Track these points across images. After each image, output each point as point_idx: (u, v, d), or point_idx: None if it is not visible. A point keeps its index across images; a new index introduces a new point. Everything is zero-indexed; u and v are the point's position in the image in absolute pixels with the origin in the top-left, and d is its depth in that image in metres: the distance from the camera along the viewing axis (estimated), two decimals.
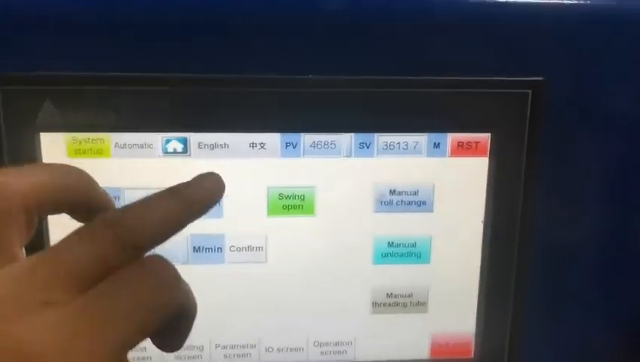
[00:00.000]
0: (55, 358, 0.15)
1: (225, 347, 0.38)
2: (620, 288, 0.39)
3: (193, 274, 0.36)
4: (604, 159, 0.37)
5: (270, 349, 0.38)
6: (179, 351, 0.37)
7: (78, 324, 0.16)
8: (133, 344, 0.17)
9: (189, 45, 0.34)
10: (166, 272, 0.18)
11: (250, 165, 0.35)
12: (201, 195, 0.20)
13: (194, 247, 0.36)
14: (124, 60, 0.33)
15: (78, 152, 0.34)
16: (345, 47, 0.35)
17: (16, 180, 0.19)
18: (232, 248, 0.36)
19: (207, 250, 0.36)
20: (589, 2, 0.36)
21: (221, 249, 0.36)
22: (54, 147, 0.34)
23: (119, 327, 0.16)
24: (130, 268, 0.17)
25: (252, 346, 0.38)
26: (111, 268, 0.17)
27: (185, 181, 0.20)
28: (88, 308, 0.16)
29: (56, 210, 0.21)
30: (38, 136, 0.34)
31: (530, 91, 0.35)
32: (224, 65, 0.34)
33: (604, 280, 0.39)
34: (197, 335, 0.37)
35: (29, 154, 0.34)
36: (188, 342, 0.36)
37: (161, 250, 0.36)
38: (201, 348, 0.38)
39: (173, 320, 0.19)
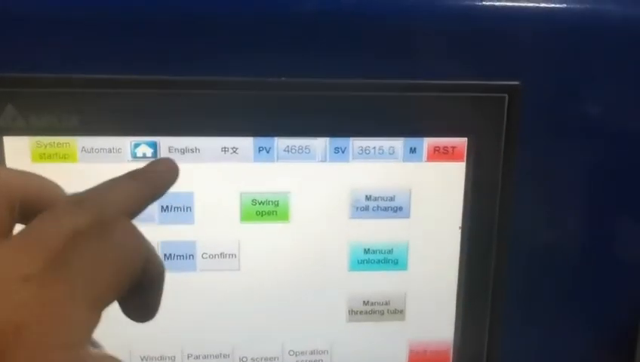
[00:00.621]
0: (37, 326, 0.16)
1: (197, 357, 0.37)
2: (598, 292, 0.39)
3: (164, 283, 0.35)
4: (580, 163, 0.37)
5: (244, 359, 0.37)
6: None
7: (53, 291, 0.17)
8: (106, 302, 0.18)
9: (158, 47, 0.33)
10: (127, 231, 0.19)
11: (222, 170, 0.34)
12: (156, 178, 0.22)
13: (164, 255, 0.35)
14: (91, 62, 0.33)
15: (43, 157, 0.33)
16: (320, 49, 0.34)
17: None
18: (204, 255, 0.35)
19: (179, 257, 0.35)
20: (565, 6, 0.35)
21: (192, 256, 0.35)
22: (18, 151, 0.33)
23: (90, 288, 0.17)
24: (93, 233, 0.18)
25: (225, 356, 0.37)
26: (77, 237, 0.18)
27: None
28: (60, 275, 0.17)
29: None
30: (1, 140, 0.33)
31: (506, 95, 0.35)
32: (195, 67, 0.33)
33: (582, 285, 0.39)
34: (169, 344, 0.37)
35: None
36: (160, 351, 0.36)
37: None
38: (173, 359, 0.36)
39: (141, 283, 0.19)
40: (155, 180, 0.22)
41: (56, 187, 0.22)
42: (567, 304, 0.39)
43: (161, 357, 0.36)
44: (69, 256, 0.17)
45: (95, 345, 0.20)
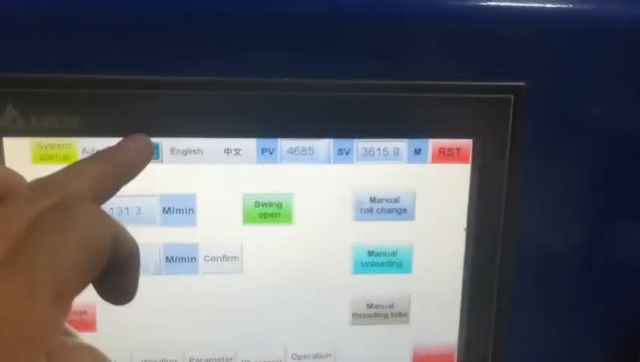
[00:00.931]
0: (4, 317, 0.16)
1: (200, 360, 0.36)
2: (605, 295, 0.38)
3: (166, 286, 0.35)
4: (586, 164, 0.37)
5: None
6: None
7: (13, 285, 0.16)
8: (73, 291, 0.17)
9: (160, 47, 0.33)
10: (89, 214, 0.18)
11: (224, 171, 0.34)
12: (127, 158, 0.21)
13: (166, 257, 0.34)
14: (93, 62, 0.32)
15: (43, 158, 0.33)
16: (323, 49, 0.34)
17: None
18: (206, 258, 0.35)
19: (181, 259, 0.35)
20: (571, 7, 0.35)
21: (195, 259, 0.35)
22: (18, 152, 0.33)
23: (53, 278, 0.16)
24: (54, 218, 0.17)
25: (228, 359, 0.36)
26: (38, 224, 0.17)
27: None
28: (20, 267, 0.16)
29: None
30: (1, 141, 0.32)
31: (512, 96, 0.35)
32: (197, 68, 0.33)
33: (588, 287, 0.39)
34: (170, 348, 0.36)
35: None
36: (162, 355, 0.36)
37: None
38: None
39: (114, 265, 0.19)
40: (125, 160, 0.21)
41: (19, 177, 0.20)
42: (573, 306, 0.39)
43: (163, 361, 0.36)
44: (29, 246, 0.17)
45: (69, 333, 0.20)
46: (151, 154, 0.22)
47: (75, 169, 0.20)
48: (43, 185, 0.19)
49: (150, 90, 0.33)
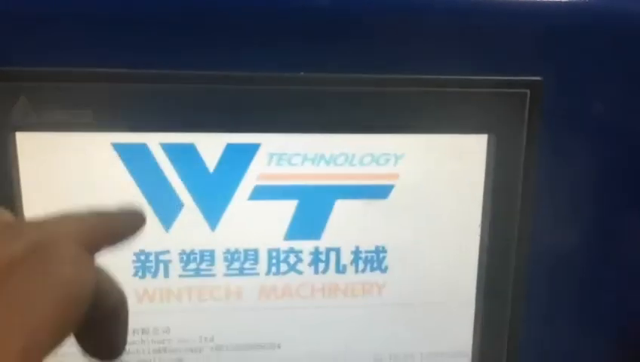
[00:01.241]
0: None
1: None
2: (620, 290, 0.38)
3: None
4: (602, 160, 0.36)
5: None
6: None
7: None
8: (46, 348, 0.15)
9: (172, 40, 0.32)
10: (70, 257, 0.16)
11: None
12: (120, 216, 0.21)
13: None
14: (108, 55, 0.32)
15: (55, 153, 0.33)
16: (340, 44, 0.33)
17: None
18: None
19: None
20: (587, 1, 0.35)
21: None
22: (31, 147, 0.32)
23: (23, 333, 0.14)
24: (30, 261, 0.16)
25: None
26: (11, 268, 0.15)
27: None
28: None
29: None
30: (13, 136, 0.32)
31: (528, 91, 0.34)
32: (213, 62, 0.33)
33: (604, 285, 0.38)
34: None
35: (5, 156, 0.32)
36: None
37: None
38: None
39: (97, 318, 0.17)
40: (116, 217, 0.20)
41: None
42: (588, 305, 0.39)
43: None
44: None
45: None
46: (142, 225, 0.21)
47: (61, 213, 0.19)
48: (23, 223, 0.18)
49: (163, 84, 0.32)
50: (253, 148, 0.34)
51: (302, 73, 0.33)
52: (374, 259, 0.36)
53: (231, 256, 0.35)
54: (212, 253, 0.35)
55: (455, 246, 0.36)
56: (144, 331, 0.36)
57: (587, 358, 0.39)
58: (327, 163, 0.34)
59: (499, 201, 0.35)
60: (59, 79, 0.31)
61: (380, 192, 0.35)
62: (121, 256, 0.34)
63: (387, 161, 0.35)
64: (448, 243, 0.36)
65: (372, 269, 0.36)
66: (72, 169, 0.33)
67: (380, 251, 0.36)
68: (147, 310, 0.35)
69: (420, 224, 0.36)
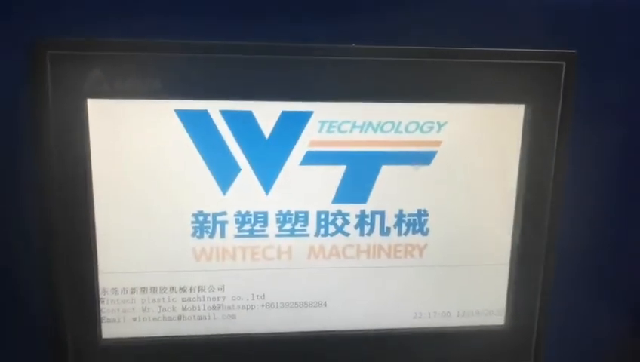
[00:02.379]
0: None
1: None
2: None
3: None
4: (634, 130, 0.39)
5: None
6: None
7: None
8: None
9: (236, 14, 0.35)
10: None
11: None
12: None
13: None
14: (172, 27, 0.34)
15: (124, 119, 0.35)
16: (382, 17, 0.36)
17: None
18: None
19: None
20: None
21: None
22: (101, 114, 0.35)
23: None
24: None
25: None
26: None
27: None
28: None
29: None
30: (86, 102, 0.34)
31: (564, 63, 0.37)
32: (269, 34, 0.35)
33: (629, 252, 0.40)
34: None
35: (76, 121, 0.34)
36: None
37: None
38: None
39: None
40: None
41: None
42: (614, 269, 0.41)
43: None
44: None
45: None
46: None
47: None
48: None
49: (231, 55, 0.34)
50: (306, 116, 0.36)
51: (353, 45, 0.35)
52: (416, 222, 0.38)
53: (283, 217, 0.37)
54: (265, 214, 0.37)
55: (492, 211, 0.38)
56: (200, 288, 0.38)
57: (613, 318, 0.42)
58: (375, 130, 0.37)
59: (533, 168, 0.38)
60: (129, 49, 0.34)
61: (423, 158, 0.37)
62: (180, 217, 0.36)
63: (431, 128, 0.37)
64: (486, 207, 0.38)
65: (414, 232, 0.38)
66: (137, 134, 0.35)
67: (421, 215, 0.38)
68: (204, 268, 0.38)
69: (459, 189, 0.38)
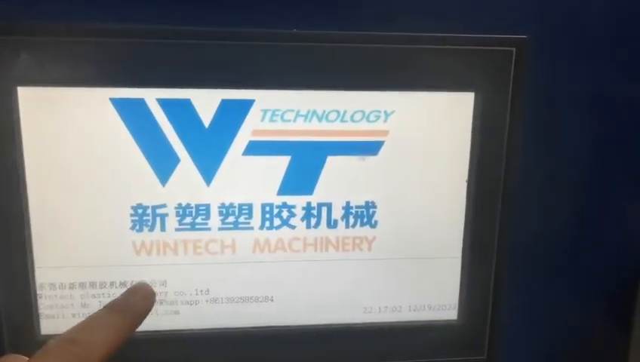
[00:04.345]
0: None
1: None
2: (600, 248, 0.40)
3: None
4: (584, 118, 0.38)
5: None
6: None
7: None
8: None
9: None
10: None
11: None
12: (136, 308, 0.23)
13: None
14: (107, 11, 0.33)
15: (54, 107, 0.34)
16: (326, 2, 0.34)
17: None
18: None
19: None
20: None
21: None
22: (32, 102, 0.33)
23: None
24: None
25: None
26: None
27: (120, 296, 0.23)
28: None
29: None
30: (15, 90, 0.33)
31: (514, 49, 0.35)
32: (208, 18, 0.34)
33: (584, 241, 0.40)
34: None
35: (6, 109, 0.33)
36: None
37: None
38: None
39: None
40: (135, 310, 0.23)
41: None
42: (570, 260, 0.40)
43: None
44: None
45: None
46: (153, 302, 0.24)
47: (93, 324, 0.22)
48: (69, 340, 0.21)
49: (160, 40, 0.33)
50: (248, 104, 0.35)
51: (294, 30, 0.34)
52: (364, 214, 0.37)
53: (226, 210, 0.36)
54: (207, 207, 0.36)
55: (443, 202, 0.37)
56: None
57: (571, 311, 0.41)
58: (319, 119, 0.35)
59: (485, 158, 0.37)
60: (60, 34, 0.32)
61: (370, 148, 0.36)
62: (119, 210, 0.35)
63: (377, 117, 0.36)
64: (436, 198, 0.37)
65: (362, 224, 0.37)
66: (71, 124, 0.34)
67: (370, 206, 0.37)
68: (144, 263, 0.36)
69: (408, 180, 0.37)
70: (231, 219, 0.36)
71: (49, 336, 0.36)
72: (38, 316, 0.36)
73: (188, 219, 0.36)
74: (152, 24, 0.33)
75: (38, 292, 0.36)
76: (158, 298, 0.36)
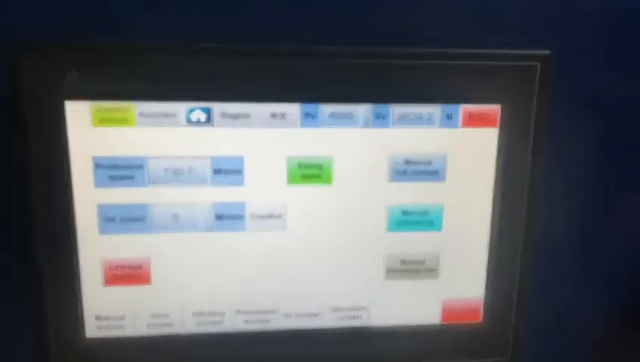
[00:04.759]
0: None
1: (246, 312, 0.39)
2: (621, 254, 0.41)
3: (215, 242, 0.37)
4: (608, 129, 0.39)
5: (289, 314, 0.39)
6: (200, 317, 0.38)
7: None
8: None
9: (211, 14, 0.35)
10: None
11: (270, 135, 0.37)
12: None
13: (216, 215, 0.37)
14: (150, 29, 0.34)
15: (102, 121, 0.35)
16: (361, 18, 0.36)
17: None
18: (252, 216, 0.37)
19: (229, 217, 0.37)
20: None
21: (242, 216, 0.37)
22: (79, 115, 0.35)
23: None
24: None
25: (271, 311, 0.39)
26: None
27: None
28: None
29: None
30: (63, 104, 0.35)
31: (538, 64, 0.37)
32: (247, 36, 0.35)
33: (607, 243, 0.41)
34: (218, 301, 0.39)
35: (54, 123, 0.35)
36: (211, 307, 0.38)
37: (185, 217, 0.37)
38: (222, 314, 0.39)
39: None
40: None
41: None
42: (594, 263, 0.41)
43: (212, 313, 0.39)
44: None
45: None
46: None
47: None
48: None
49: (205, 57, 0.35)
50: None
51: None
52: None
53: None
54: None
55: (469, 207, 0.39)
56: None
57: (592, 312, 0.42)
58: None
59: (510, 166, 0.38)
60: (107, 51, 0.34)
61: None
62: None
63: None
64: (463, 206, 0.39)
65: None
66: (120, 138, 0.36)
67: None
68: None
69: (437, 188, 0.39)
70: None
71: (94, 339, 0.38)
72: (84, 319, 0.38)
73: None
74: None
75: (84, 294, 0.38)
76: None
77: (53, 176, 0.35)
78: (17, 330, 0.38)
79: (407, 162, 0.38)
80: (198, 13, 0.35)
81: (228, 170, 0.37)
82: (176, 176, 0.36)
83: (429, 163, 0.38)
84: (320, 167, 0.37)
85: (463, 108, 0.37)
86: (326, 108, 0.36)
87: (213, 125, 0.36)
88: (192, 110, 0.36)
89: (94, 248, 0.37)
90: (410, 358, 0.41)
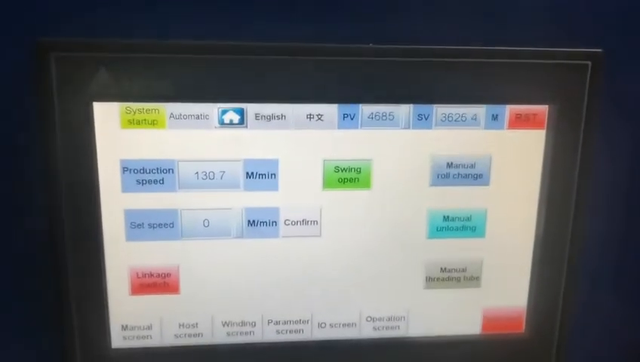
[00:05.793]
0: None
1: (277, 322, 0.37)
2: None
3: (247, 249, 0.35)
4: None
5: (323, 325, 0.38)
6: (230, 327, 0.37)
7: None
8: None
9: (246, 13, 0.33)
10: None
11: (306, 137, 0.35)
12: None
13: (248, 221, 0.35)
14: (182, 28, 0.33)
15: (132, 123, 0.33)
16: (405, 16, 0.34)
17: None
18: (286, 222, 0.36)
19: (262, 223, 0.35)
20: None
21: (276, 223, 0.36)
22: (108, 117, 0.33)
23: None
24: None
25: (305, 321, 0.37)
26: None
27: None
28: None
29: None
30: (91, 105, 0.33)
31: (589, 63, 0.35)
32: (282, 34, 0.33)
33: None
34: (249, 311, 0.37)
35: (82, 124, 0.33)
36: (242, 316, 0.36)
37: (216, 223, 0.35)
38: (254, 324, 0.37)
39: None
40: None
41: None
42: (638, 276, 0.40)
43: (242, 323, 0.37)
44: None
45: None
46: None
47: None
48: None
49: (235, 56, 0.33)
50: None
51: (370, 44, 0.34)
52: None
53: None
54: None
55: (514, 211, 0.37)
56: None
57: (636, 326, 0.41)
58: None
59: (557, 170, 0.36)
60: (137, 51, 0.32)
61: None
62: None
63: None
64: (509, 209, 0.37)
65: None
66: (151, 140, 0.34)
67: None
68: None
69: (481, 192, 0.37)
70: None
71: (120, 350, 0.37)
72: (109, 328, 0.37)
73: None
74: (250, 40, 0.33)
75: (110, 303, 0.36)
76: None
77: (80, 180, 0.34)
78: (41, 340, 0.37)
79: (450, 165, 0.36)
80: (233, 13, 0.33)
81: (261, 174, 0.35)
82: (208, 180, 0.35)
83: (472, 166, 0.36)
84: (358, 170, 0.35)
85: (510, 109, 0.35)
86: (365, 109, 0.35)
87: (246, 127, 0.34)
88: (224, 111, 0.34)
89: (121, 255, 0.35)
90: None
